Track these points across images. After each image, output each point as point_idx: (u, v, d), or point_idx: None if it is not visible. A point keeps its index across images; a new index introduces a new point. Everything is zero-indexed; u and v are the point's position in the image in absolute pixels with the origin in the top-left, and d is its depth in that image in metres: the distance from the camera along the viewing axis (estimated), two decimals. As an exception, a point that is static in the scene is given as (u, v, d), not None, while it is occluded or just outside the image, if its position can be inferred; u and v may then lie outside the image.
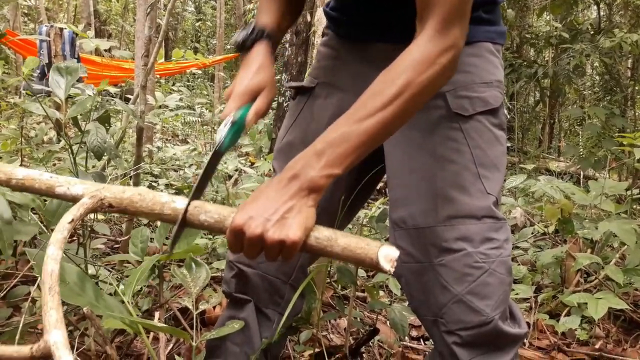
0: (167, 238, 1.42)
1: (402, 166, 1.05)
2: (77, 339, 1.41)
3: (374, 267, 0.75)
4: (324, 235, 0.77)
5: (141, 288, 1.75)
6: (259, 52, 1.05)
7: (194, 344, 1.02)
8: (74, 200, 0.85)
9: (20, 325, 1.15)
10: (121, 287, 1.12)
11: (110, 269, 1.93)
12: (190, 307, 1.08)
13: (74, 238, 1.88)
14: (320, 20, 2.78)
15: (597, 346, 1.94)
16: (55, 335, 0.60)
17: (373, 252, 0.74)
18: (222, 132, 0.96)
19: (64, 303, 1.43)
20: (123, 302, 1.00)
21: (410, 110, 0.86)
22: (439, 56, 0.85)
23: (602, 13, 7.08)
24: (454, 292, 0.97)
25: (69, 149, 1.58)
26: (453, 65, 0.87)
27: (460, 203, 0.99)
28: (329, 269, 2.07)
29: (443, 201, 1.00)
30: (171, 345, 1.62)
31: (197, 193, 0.91)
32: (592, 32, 6.49)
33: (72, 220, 0.77)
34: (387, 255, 0.74)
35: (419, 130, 1.03)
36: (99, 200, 0.81)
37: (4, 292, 1.48)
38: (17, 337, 1.11)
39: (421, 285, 1.02)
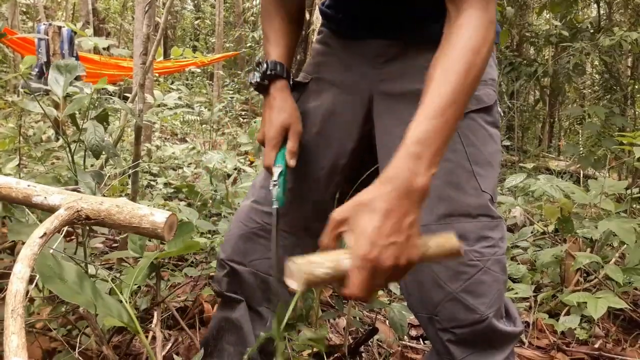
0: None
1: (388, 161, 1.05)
2: (76, 339, 1.41)
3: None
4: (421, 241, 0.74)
5: (139, 287, 1.74)
6: (277, 90, 1.09)
7: (197, 342, 1.01)
8: (51, 210, 0.81)
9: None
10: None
11: (109, 268, 1.93)
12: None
13: (73, 237, 1.87)
14: (318, 18, 2.77)
15: (596, 345, 1.93)
16: None
17: (455, 244, 0.75)
18: (275, 191, 1.04)
19: (63, 301, 1.42)
20: (121, 301, 1.00)
21: (474, 90, 0.84)
22: (487, 32, 0.84)
23: (602, 11, 7.07)
24: (448, 290, 0.97)
25: (67, 148, 1.58)
26: (494, 39, 0.87)
27: (455, 201, 0.99)
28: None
29: (437, 200, 0.99)
30: (170, 344, 1.61)
31: (279, 267, 0.92)
32: (592, 31, 6.48)
33: (45, 234, 0.72)
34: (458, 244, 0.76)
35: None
36: (75, 212, 0.77)
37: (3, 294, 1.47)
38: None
39: (417, 282, 1.01)
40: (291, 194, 1.12)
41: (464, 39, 0.83)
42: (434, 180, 0.95)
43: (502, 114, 1.07)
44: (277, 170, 1.05)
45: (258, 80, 1.09)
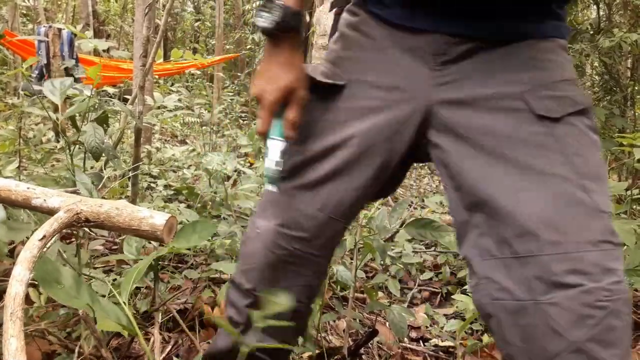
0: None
1: (484, 182, 0.86)
2: (75, 342, 1.41)
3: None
4: None
5: (139, 289, 1.74)
6: (288, 42, 0.93)
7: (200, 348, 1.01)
8: (50, 212, 0.81)
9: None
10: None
11: (109, 271, 1.93)
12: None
13: (72, 240, 1.87)
14: (318, 20, 2.78)
15: (597, 347, 1.93)
16: None
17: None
18: (272, 170, 0.91)
19: (62, 305, 1.42)
20: (118, 303, 0.99)
21: None
22: None
23: (601, 13, 7.08)
24: (571, 339, 0.77)
25: (67, 150, 1.58)
26: None
27: (566, 225, 0.80)
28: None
29: (544, 223, 0.80)
30: (170, 346, 1.61)
31: None
32: (591, 32, 6.49)
33: (44, 236, 0.72)
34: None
35: (498, 139, 0.86)
36: (74, 215, 0.77)
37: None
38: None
39: (521, 328, 0.81)
40: (326, 215, 0.97)
41: None
42: (534, 200, 0.81)
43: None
44: (276, 145, 0.92)
45: (268, 25, 0.90)
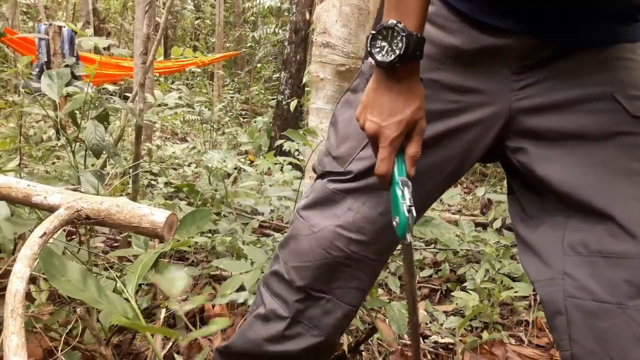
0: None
1: (577, 184, 0.82)
2: (76, 338, 1.41)
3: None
4: None
5: (140, 286, 1.75)
6: (409, 72, 0.79)
7: (182, 342, 1.01)
8: (51, 210, 0.81)
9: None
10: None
11: (110, 267, 1.93)
12: (180, 313, 1.04)
13: (74, 236, 1.88)
14: (318, 17, 2.78)
15: (596, 344, 1.94)
16: None
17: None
18: (404, 216, 0.78)
19: (69, 298, 1.43)
20: (125, 298, 1.00)
21: None
22: None
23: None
24: None
25: (69, 147, 1.58)
26: None
27: None
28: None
29: None
30: (170, 343, 1.62)
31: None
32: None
33: (45, 233, 0.72)
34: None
35: (590, 142, 0.82)
36: (75, 212, 0.77)
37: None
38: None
39: (598, 332, 0.77)
40: (387, 220, 0.90)
41: None
42: (627, 199, 0.78)
43: None
44: (403, 188, 0.79)
45: (392, 60, 0.76)
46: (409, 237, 0.79)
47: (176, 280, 1.03)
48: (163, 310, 1.42)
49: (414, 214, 0.78)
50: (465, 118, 0.88)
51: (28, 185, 0.84)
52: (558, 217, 0.85)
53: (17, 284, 0.63)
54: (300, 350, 1.01)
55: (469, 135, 0.89)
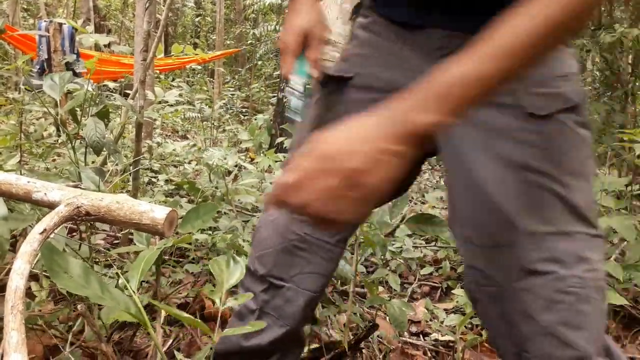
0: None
1: (468, 174, 0.90)
2: (77, 335, 1.41)
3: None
4: None
5: (140, 283, 1.75)
6: None
7: (214, 338, 1.01)
8: (51, 206, 0.81)
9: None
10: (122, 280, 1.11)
11: (110, 265, 1.93)
12: (218, 302, 1.04)
13: (75, 234, 1.88)
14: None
15: (596, 342, 1.94)
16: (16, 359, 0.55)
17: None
18: (294, 100, 0.95)
19: (69, 294, 1.43)
20: (128, 294, 0.99)
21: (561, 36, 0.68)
22: None
23: (602, 8, 7.05)
24: (542, 323, 0.83)
25: (70, 144, 1.58)
26: None
27: (543, 217, 0.84)
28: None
29: (524, 215, 0.84)
30: (170, 340, 1.62)
31: None
32: (592, 28, 6.47)
33: (45, 230, 0.72)
34: None
35: (486, 134, 0.89)
36: (75, 209, 0.77)
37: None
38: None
39: (501, 312, 0.87)
40: None
41: None
42: (517, 193, 0.85)
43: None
44: (298, 80, 0.95)
45: None
46: (296, 117, 0.96)
47: (234, 272, 1.05)
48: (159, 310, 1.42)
49: (303, 100, 0.96)
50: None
51: (28, 182, 0.84)
52: (462, 205, 0.93)
53: (17, 281, 0.63)
54: (269, 342, 1.05)
55: None
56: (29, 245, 0.69)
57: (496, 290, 0.87)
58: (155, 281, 1.42)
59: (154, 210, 0.76)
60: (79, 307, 0.84)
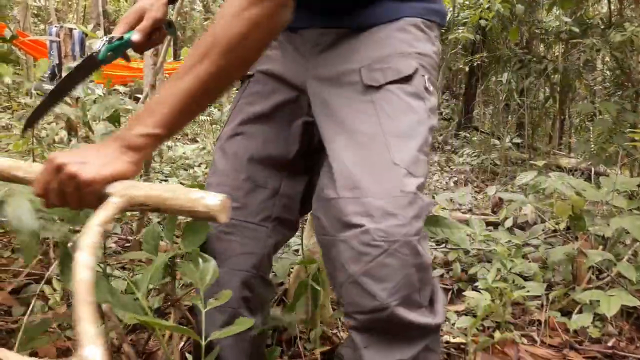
0: (177, 236, 1.43)
1: (325, 140, 1.05)
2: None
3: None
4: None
5: (151, 287, 1.76)
6: None
7: (202, 342, 1.02)
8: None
9: (24, 324, 1.16)
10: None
11: (122, 268, 1.94)
12: (199, 305, 1.07)
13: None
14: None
15: (609, 344, 1.92)
16: (92, 351, 0.56)
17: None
18: (99, 44, 1.06)
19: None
20: (136, 299, 1.00)
21: (228, 66, 0.84)
22: (244, 10, 0.83)
23: (612, 7, 7.00)
24: (350, 272, 0.91)
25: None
26: (268, 18, 0.85)
27: (362, 174, 0.94)
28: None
29: (347, 172, 0.96)
30: (182, 343, 1.62)
31: (53, 97, 1.09)
32: (602, 27, 6.43)
33: (102, 222, 0.74)
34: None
35: (335, 107, 1.05)
36: (129, 199, 0.78)
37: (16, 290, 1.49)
38: (20, 335, 1.11)
39: (330, 260, 0.97)
40: (248, 183, 1.15)
41: (219, 14, 0.86)
42: (346, 154, 0.99)
43: (428, 86, 1.08)
44: (116, 36, 1.09)
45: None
46: (95, 54, 1.07)
47: (206, 271, 1.06)
48: (172, 313, 1.43)
49: (106, 44, 1.08)
50: (290, 97, 1.17)
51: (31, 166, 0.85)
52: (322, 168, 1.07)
53: (83, 273, 0.64)
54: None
55: (291, 107, 1.17)
56: (89, 238, 0.70)
57: (327, 239, 0.97)
58: (170, 284, 1.43)
59: (207, 197, 0.75)
60: (104, 306, 0.85)
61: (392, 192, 0.92)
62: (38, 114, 1.13)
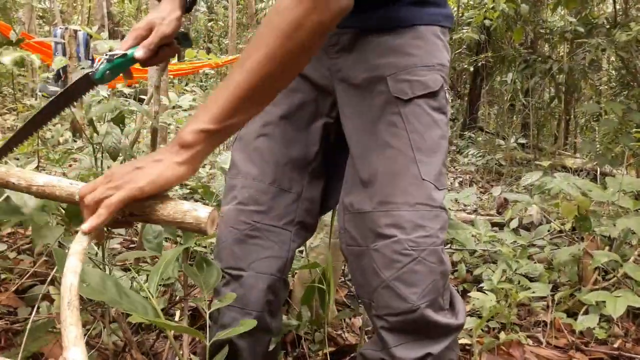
0: (179, 236, 1.43)
1: (354, 152, 1.09)
2: (95, 339, 1.42)
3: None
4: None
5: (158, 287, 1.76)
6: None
7: (207, 343, 1.02)
8: None
9: (29, 324, 1.16)
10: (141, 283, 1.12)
11: (126, 269, 1.95)
12: (203, 307, 1.07)
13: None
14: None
15: (615, 345, 1.91)
16: (75, 353, 0.58)
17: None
18: (97, 63, 1.01)
19: (88, 299, 1.44)
20: (145, 297, 1.00)
21: (284, 55, 0.81)
22: (292, 11, 0.80)
23: (618, 7, 6.98)
24: (383, 278, 1.00)
25: (92, 149, 1.60)
26: (316, 29, 0.81)
27: (394, 189, 1.01)
28: (343, 267, 2.07)
29: (379, 187, 1.02)
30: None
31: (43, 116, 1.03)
32: (608, 26, 6.40)
33: (91, 230, 0.75)
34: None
35: (366, 117, 1.07)
36: (120, 209, 0.78)
37: (22, 292, 1.49)
38: (26, 336, 1.11)
39: (360, 268, 1.05)
40: (273, 187, 1.15)
41: (269, 20, 0.82)
42: (377, 168, 1.03)
43: (448, 100, 1.11)
44: (119, 52, 1.02)
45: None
46: (93, 73, 1.01)
47: (209, 273, 1.08)
48: (178, 312, 1.43)
49: (106, 63, 1.01)
50: (312, 96, 1.16)
51: (71, 184, 0.85)
52: (345, 180, 1.12)
53: (70, 278, 0.66)
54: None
55: (313, 107, 1.17)
56: (79, 245, 0.72)
57: (358, 249, 1.05)
58: (178, 282, 1.43)
59: (197, 209, 0.77)
60: (112, 310, 0.85)
61: (421, 207, 1.01)
62: (17, 140, 1.05)
